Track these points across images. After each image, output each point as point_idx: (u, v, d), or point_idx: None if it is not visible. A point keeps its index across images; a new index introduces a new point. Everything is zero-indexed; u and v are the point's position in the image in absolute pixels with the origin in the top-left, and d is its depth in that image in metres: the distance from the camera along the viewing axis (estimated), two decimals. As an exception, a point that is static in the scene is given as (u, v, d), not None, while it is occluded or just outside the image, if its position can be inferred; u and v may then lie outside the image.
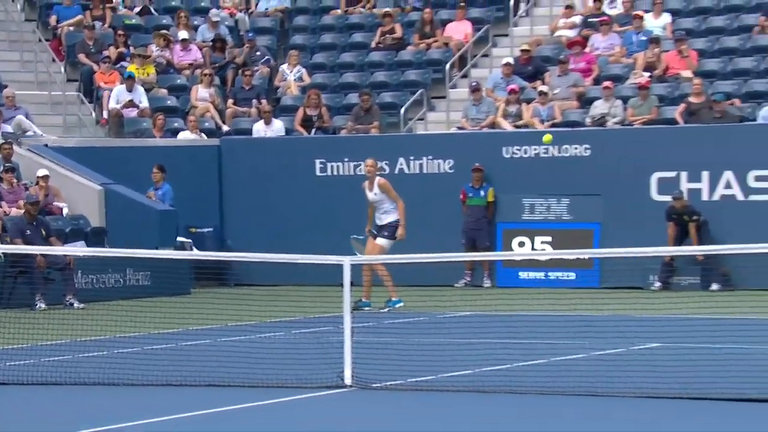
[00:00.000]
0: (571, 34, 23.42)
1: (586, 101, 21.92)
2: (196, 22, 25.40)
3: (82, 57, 24.05)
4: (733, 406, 10.11)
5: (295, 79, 24.12)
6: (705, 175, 19.71)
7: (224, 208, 22.18)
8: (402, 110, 23.16)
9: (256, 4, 26.34)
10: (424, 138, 22.14)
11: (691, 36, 22.61)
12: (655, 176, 19.92)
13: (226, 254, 18.59)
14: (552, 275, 20.26)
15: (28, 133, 21.72)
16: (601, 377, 10.94)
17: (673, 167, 19.84)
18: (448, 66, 23.65)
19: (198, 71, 24.00)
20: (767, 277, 18.06)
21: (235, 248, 20.90)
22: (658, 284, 19.34)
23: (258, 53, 24.59)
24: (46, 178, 20.17)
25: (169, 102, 23.55)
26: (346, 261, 11.46)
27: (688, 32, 22.67)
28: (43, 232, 18.49)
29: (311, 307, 15.58)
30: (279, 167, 21.91)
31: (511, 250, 20.34)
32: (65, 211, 20.42)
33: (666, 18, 23.14)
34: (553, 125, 21.34)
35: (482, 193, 20.66)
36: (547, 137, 17.31)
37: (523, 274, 20.42)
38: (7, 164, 20.15)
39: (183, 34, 24.56)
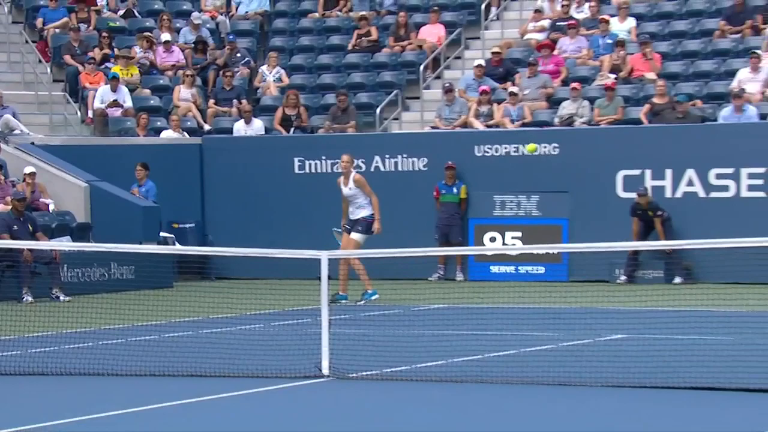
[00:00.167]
0: (540, 37, 23.44)
1: (554, 102, 21.95)
2: (178, 25, 25.31)
3: (67, 58, 23.92)
4: (695, 395, 10.14)
5: (274, 80, 24.06)
6: (668, 172, 19.76)
7: (206, 204, 22.10)
8: (378, 110, 23.13)
9: (237, 8, 26.25)
10: (399, 137, 22.12)
11: (655, 39, 22.66)
12: (621, 174, 19.96)
13: (207, 249, 18.53)
14: (522, 269, 20.28)
15: (16, 132, 21.59)
16: (568, 367, 10.96)
17: (637, 165, 19.88)
18: (422, 68, 23.63)
19: (180, 72, 23.91)
20: (728, 271, 18.10)
21: (216, 243, 20.85)
22: (623, 278, 19.38)
23: (238, 55, 24.51)
24: (32, 175, 20.06)
25: (152, 102, 23.46)
26: (324, 255, 11.43)
27: (652, 36, 22.72)
28: (30, 228, 18.38)
29: (290, 299, 15.54)
30: (259, 165, 21.85)
31: (483, 244, 20.35)
32: (51, 207, 20.31)
33: (631, 22, 23.19)
34: (523, 125, 21.36)
35: (455, 190, 20.66)
36: (530, 146, 17.20)
37: (494, 268, 20.44)
38: (-6, 162, 20.04)
39: (165, 36, 24.47)
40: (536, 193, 20.30)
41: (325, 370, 11.12)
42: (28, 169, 20.11)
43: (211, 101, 23.69)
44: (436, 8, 24.50)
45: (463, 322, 14.21)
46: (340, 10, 25.58)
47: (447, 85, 22.38)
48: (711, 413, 9.53)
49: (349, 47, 24.64)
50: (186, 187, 21.87)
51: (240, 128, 22.69)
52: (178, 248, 18.91)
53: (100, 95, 22.75)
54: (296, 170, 21.71)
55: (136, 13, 25.77)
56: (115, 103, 22.69)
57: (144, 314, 15.22)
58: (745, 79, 20.95)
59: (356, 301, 17.07)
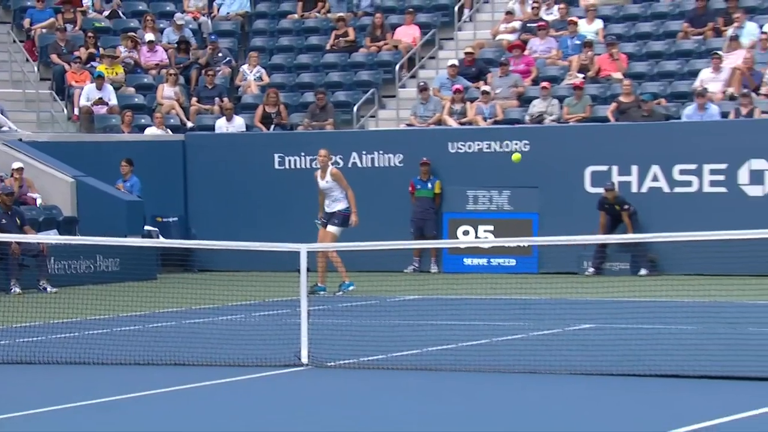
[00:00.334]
0: (512, 38, 23.45)
1: (525, 100, 21.97)
2: (161, 25, 25.21)
3: (54, 57, 23.80)
4: (660, 382, 10.17)
5: (254, 79, 24.00)
6: (634, 168, 19.81)
7: (188, 198, 22.03)
8: (355, 108, 23.10)
9: (218, 9, 26.16)
10: (375, 134, 22.09)
11: (621, 41, 22.71)
12: (589, 170, 19.99)
13: (190, 242, 18.49)
14: (494, 261, 20.30)
15: (4, 129, 21.47)
16: (538, 356, 10.97)
17: (605, 161, 19.91)
18: (397, 67, 23.61)
19: (164, 71, 23.82)
20: (691, 263, 18.17)
21: (199, 236, 20.77)
22: (591, 270, 19.42)
23: (220, 54, 24.44)
24: (20, 170, 19.96)
25: (136, 100, 23.37)
26: (303, 248, 11.41)
27: (618, 37, 22.77)
28: (18, 221, 18.29)
29: (270, 291, 15.51)
30: (240, 161, 21.79)
31: (456, 238, 20.35)
32: (39, 201, 20.21)
33: (598, 24, 23.23)
34: (495, 122, 21.37)
35: (429, 185, 20.66)
36: (515, 156, 17.15)
37: (467, 261, 20.45)
38: (-17, 158, 19.91)
39: (149, 36, 24.37)
40: (507, 188, 20.32)
41: (304, 359, 11.10)
42: (16, 165, 20.00)
43: (194, 99, 23.61)
44: (411, 10, 24.49)
45: (438, 312, 14.21)
46: (319, 12, 25.53)
47: (422, 84, 22.37)
48: (675, 399, 9.56)
49: (327, 47, 24.60)
50: (169, 182, 21.79)
51: (222, 125, 22.62)
52: (161, 241, 18.86)
53: (86, 93, 22.64)
54: (276, 166, 21.66)
55: (121, 14, 25.66)
56: (101, 101, 22.59)
57: (129, 305, 15.15)
58: (707, 79, 21.02)
59: (334, 292, 17.04)
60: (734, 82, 20.93)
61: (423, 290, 17.08)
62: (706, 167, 19.39)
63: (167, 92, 23.29)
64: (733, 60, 21.09)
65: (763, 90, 20.68)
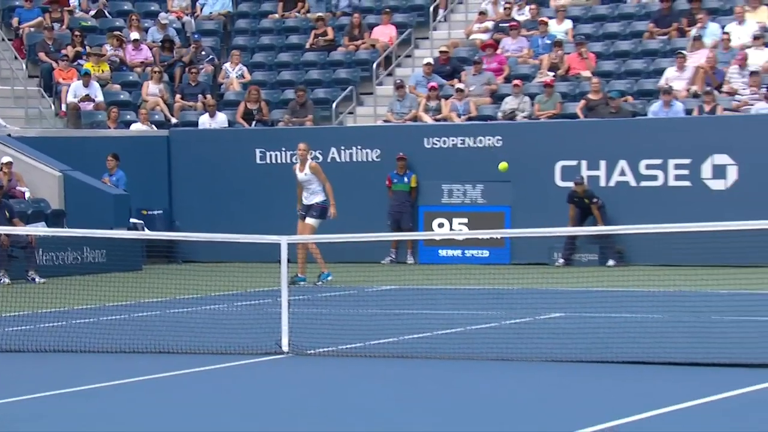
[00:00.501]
0: (485, 37, 23.45)
1: (498, 97, 21.98)
2: (146, 25, 25.10)
3: (42, 55, 23.66)
4: (627, 368, 10.19)
5: (236, 77, 23.92)
6: (602, 163, 19.84)
7: (173, 192, 21.94)
8: (333, 105, 23.05)
9: (201, 9, 26.06)
10: (353, 130, 22.05)
11: (590, 40, 22.74)
12: (559, 164, 20.01)
13: (174, 234, 18.41)
14: (468, 253, 20.30)
15: (-7, 124, 21.33)
16: (511, 344, 10.97)
17: (574, 156, 19.94)
18: (374, 65, 23.57)
19: (148, 69, 23.72)
20: (657, 254, 18.24)
21: (183, 229, 20.69)
22: (561, 261, 19.44)
23: (203, 53, 24.35)
24: (9, 164, 19.84)
25: (122, 96, 23.26)
26: (283, 240, 11.38)
27: (587, 37, 22.80)
28: (7, 214, 18.17)
29: (252, 281, 15.47)
30: (222, 156, 21.72)
31: (432, 230, 20.34)
32: (27, 195, 20.10)
33: (568, 24, 23.26)
34: (469, 119, 21.37)
35: (406, 179, 20.64)
36: (503, 165, 17.10)
37: (442, 252, 20.45)
38: (-27, 152, 19.78)
39: (134, 35, 24.26)
40: (481, 183, 20.32)
41: (285, 347, 11.07)
42: (5, 159, 19.88)
43: (178, 96, 23.52)
44: (387, 10, 24.46)
45: (414, 302, 14.20)
46: (299, 12, 25.47)
47: (398, 81, 22.35)
48: (642, 385, 9.58)
49: (307, 46, 24.54)
50: (154, 176, 21.71)
51: (205, 121, 22.55)
52: (146, 233, 18.77)
53: (73, 90, 22.53)
54: (257, 161, 21.61)
55: (107, 14, 25.54)
56: (87, 98, 22.49)
57: (114, 295, 15.08)
58: (672, 77, 21.08)
59: (314, 283, 17.01)
60: (698, 80, 21.00)
61: (400, 280, 17.07)
62: (671, 162, 19.44)
63: (152, 89, 23.19)
64: (697, 59, 21.16)
65: (725, 88, 20.76)
